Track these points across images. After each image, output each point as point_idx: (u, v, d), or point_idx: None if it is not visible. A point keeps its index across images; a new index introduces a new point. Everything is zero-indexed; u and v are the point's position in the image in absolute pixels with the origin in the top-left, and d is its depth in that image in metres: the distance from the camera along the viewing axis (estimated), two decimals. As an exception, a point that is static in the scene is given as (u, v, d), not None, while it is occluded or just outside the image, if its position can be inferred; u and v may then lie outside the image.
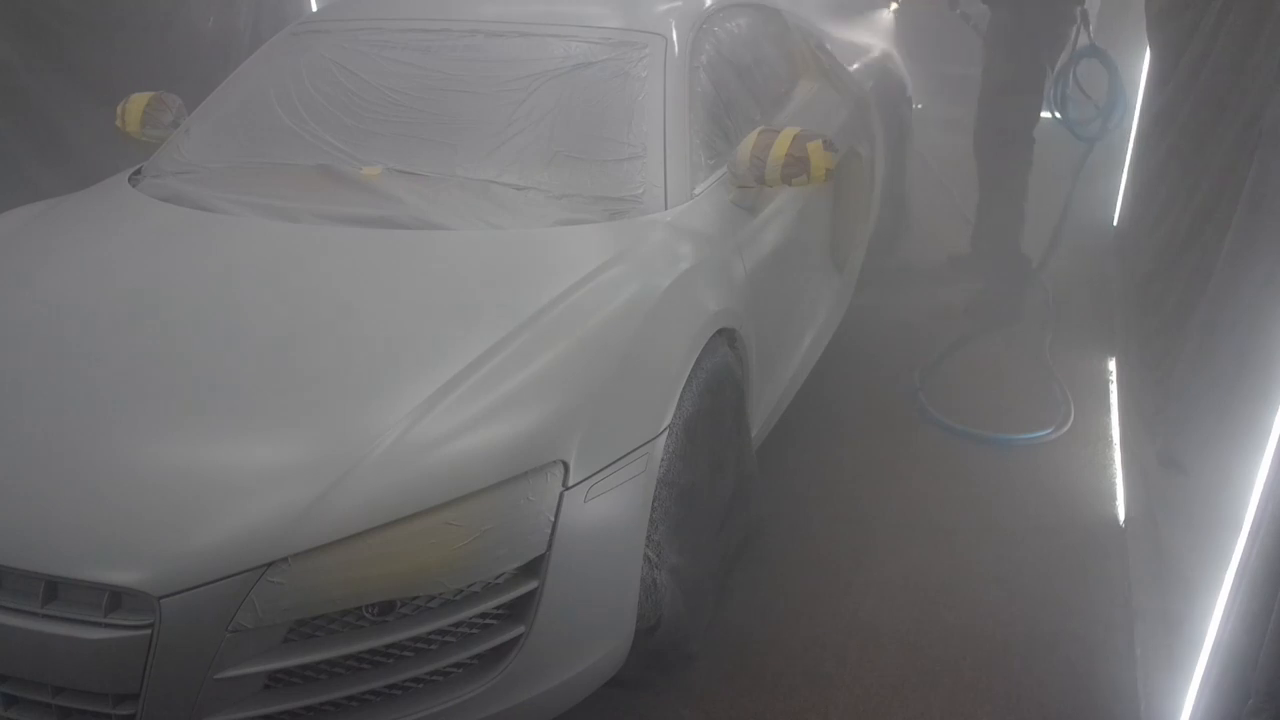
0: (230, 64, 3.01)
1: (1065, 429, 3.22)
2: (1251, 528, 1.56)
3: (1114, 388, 3.46)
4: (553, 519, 1.72)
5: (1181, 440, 2.12)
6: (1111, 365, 3.59)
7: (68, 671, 1.61)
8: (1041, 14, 3.79)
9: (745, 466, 2.46)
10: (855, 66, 3.92)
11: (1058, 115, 4.01)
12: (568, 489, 1.75)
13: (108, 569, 1.57)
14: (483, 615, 1.71)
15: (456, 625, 1.69)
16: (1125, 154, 4.49)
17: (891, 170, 4.08)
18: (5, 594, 1.61)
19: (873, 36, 4.35)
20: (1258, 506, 1.55)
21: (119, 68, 4.01)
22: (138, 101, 2.87)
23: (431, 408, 1.76)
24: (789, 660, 2.31)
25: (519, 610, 1.74)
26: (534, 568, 1.73)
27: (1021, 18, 3.80)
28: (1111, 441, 3.16)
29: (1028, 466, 3.06)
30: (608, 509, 1.82)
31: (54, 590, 1.59)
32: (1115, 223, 4.39)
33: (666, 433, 1.95)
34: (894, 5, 4.50)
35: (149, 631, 1.55)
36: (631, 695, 2.10)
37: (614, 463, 1.82)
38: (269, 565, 1.58)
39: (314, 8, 5.20)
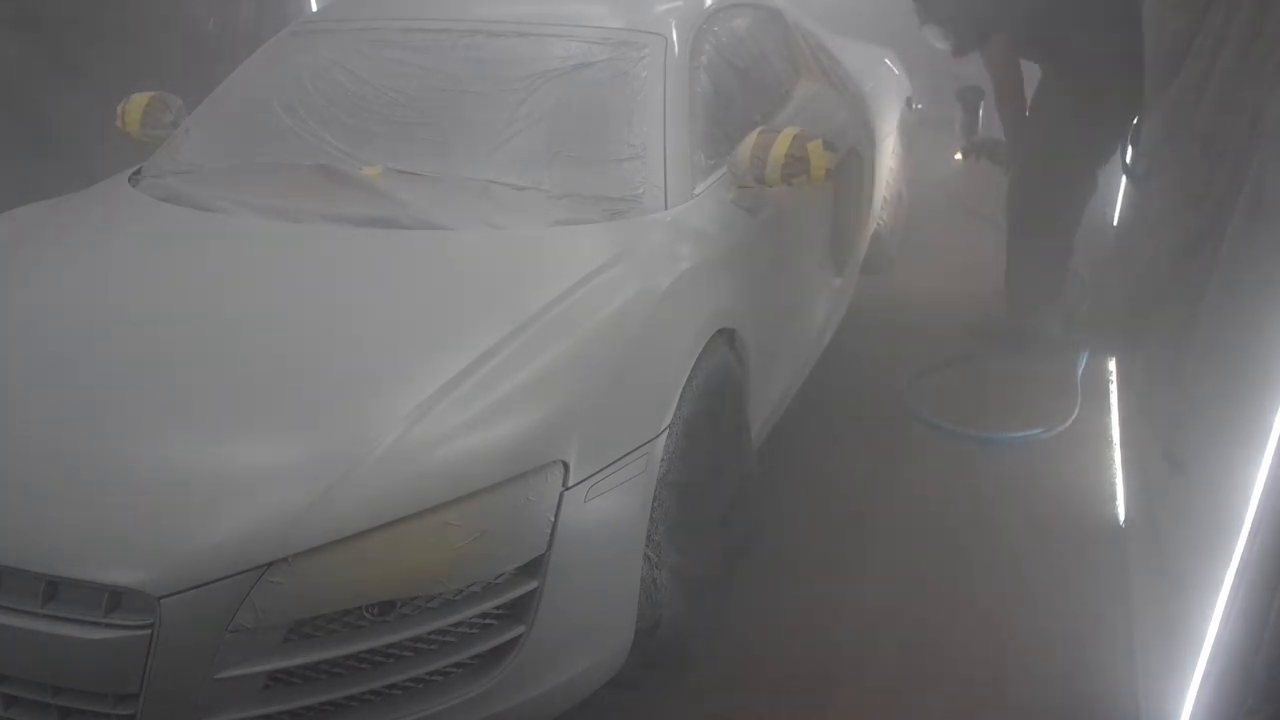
0: (230, 64, 3.01)
1: (1062, 428, 3.21)
2: (1251, 528, 1.56)
3: (1114, 388, 3.46)
4: (553, 519, 1.72)
5: (1184, 440, 2.12)
6: (1111, 365, 3.59)
7: (68, 671, 1.61)
8: (1119, 65, 3.21)
9: (745, 466, 2.46)
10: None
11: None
12: (568, 489, 1.75)
13: (108, 569, 1.57)
14: (483, 615, 1.71)
15: (456, 625, 1.69)
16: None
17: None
18: (5, 594, 1.61)
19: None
20: (1258, 506, 1.55)
21: (119, 68, 4.01)
22: (138, 101, 2.87)
23: (432, 408, 1.76)
24: (788, 660, 2.31)
25: (519, 610, 1.74)
26: (534, 568, 1.73)
27: (1095, 72, 3.32)
28: (1111, 441, 3.16)
29: (1028, 466, 3.06)
30: (608, 509, 1.82)
31: (54, 590, 1.59)
32: (1115, 222, 4.39)
33: (666, 433, 1.95)
34: (959, 156, 4.33)
35: (149, 631, 1.55)
36: (631, 695, 2.10)
37: (614, 463, 1.83)
38: (269, 565, 1.58)
39: (314, 8, 5.20)
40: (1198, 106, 2.26)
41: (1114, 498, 2.88)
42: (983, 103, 3.93)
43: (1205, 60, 2.21)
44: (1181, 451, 2.10)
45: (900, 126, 4.22)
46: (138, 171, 2.72)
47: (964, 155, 4.11)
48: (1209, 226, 2.10)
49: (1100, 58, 3.31)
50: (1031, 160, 3.57)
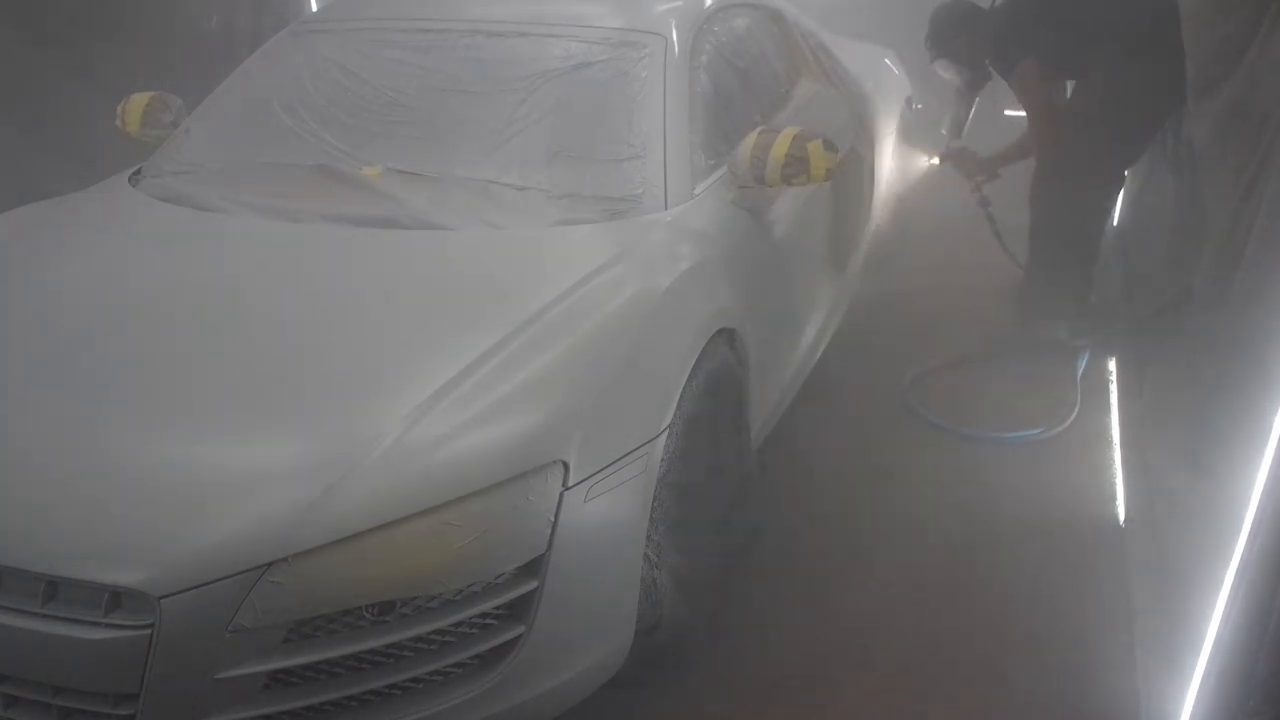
0: (231, 64, 3.01)
1: (1062, 428, 3.20)
2: (1251, 527, 1.56)
3: (1114, 388, 3.46)
4: (553, 519, 1.72)
5: (1182, 440, 2.12)
6: (1111, 365, 3.59)
7: (68, 671, 1.61)
8: (1152, 72, 3.19)
9: (745, 467, 2.46)
10: None
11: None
12: (568, 489, 1.74)
13: (108, 569, 1.57)
14: (483, 615, 1.71)
15: (456, 625, 1.69)
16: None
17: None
18: (5, 594, 1.61)
19: None
20: (1258, 506, 1.55)
21: (119, 68, 4.01)
22: (138, 101, 2.87)
23: (431, 408, 1.76)
24: (788, 660, 2.30)
25: (519, 610, 1.74)
26: (534, 568, 1.73)
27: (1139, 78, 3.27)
28: (1111, 441, 3.16)
29: (1028, 466, 3.05)
30: (608, 509, 1.82)
31: (54, 590, 1.59)
32: (1115, 222, 4.39)
33: (666, 433, 1.95)
34: (935, 160, 4.17)
35: (149, 631, 1.55)
36: (631, 695, 2.10)
37: (614, 463, 1.82)
38: (269, 565, 1.57)
39: (314, 8, 5.20)
40: (1240, 111, 2.24)
41: (1114, 498, 2.88)
42: (977, 102, 3.91)
43: (1252, 64, 2.20)
44: (1182, 451, 2.10)
45: (900, 126, 4.22)
46: (138, 171, 2.72)
47: (942, 161, 4.04)
48: (1229, 227, 2.09)
49: (1132, 66, 3.30)
50: (1063, 168, 3.52)
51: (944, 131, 3.98)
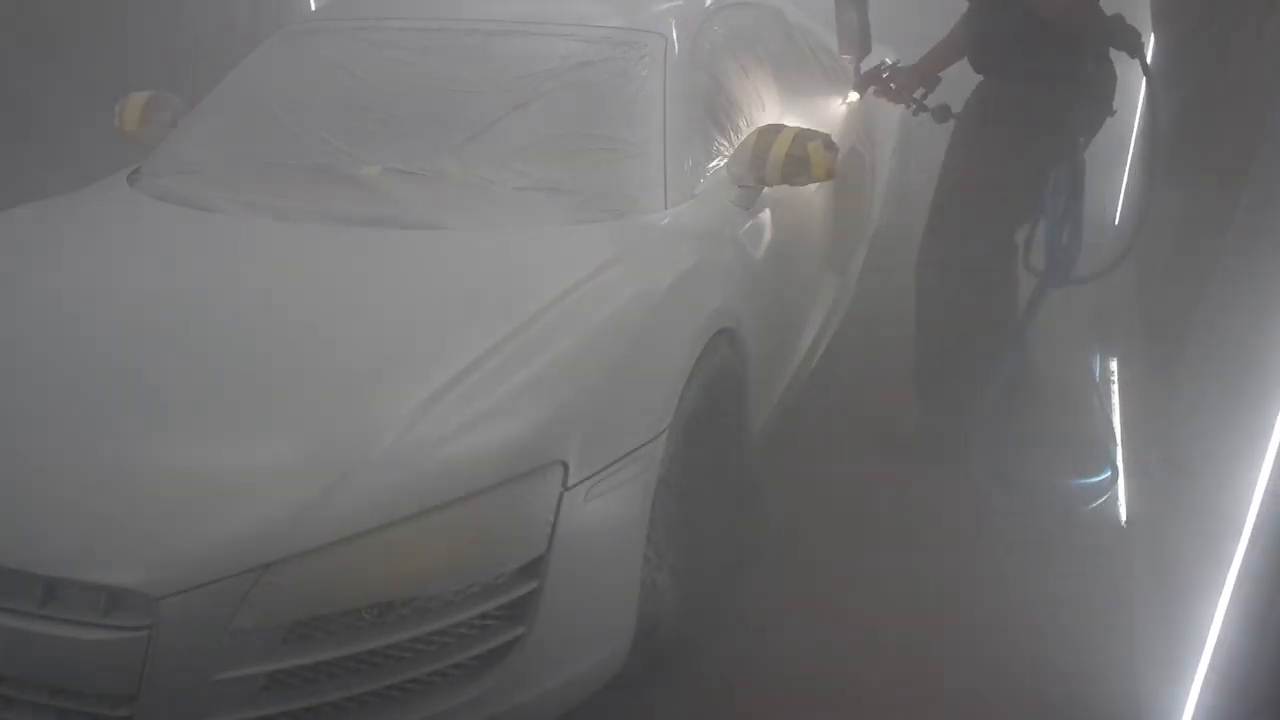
0: (230, 63, 3.01)
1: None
2: (1253, 528, 1.56)
3: (1115, 388, 3.46)
4: (552, 519, 1.72)
5: (1183, 441, 2.12)
6: (1113, 365, 3.58)
7: (65, 672, 1.61)
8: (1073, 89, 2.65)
9: (745, 467, 2.46)
10: None
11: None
12: (568, 489, 1.74)
13: (106, 570, 1.56)
14: (483, 615, 1.70)
15: (456, 625, 1.69)
16: (1126, 153, 4.48)
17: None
18: (3, 594, 1.60)
19: None
20: (1259, 507, 1.55)
21: (119, 67, 4.01)
22: (136, 101, 2.87)
23: (431, 408, 1.75)
24: (789, 662, 2.30)
25: (519, 610, 1.74)
26: (534, 568, 1.72)
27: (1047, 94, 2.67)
28: (1112, 441, 3.15)
29: (1028, 464, 3.05)
30: (608, 509, 1.81)
31: (52, 591, 1.59)
32: (1116, 221, 4.39)
33: (667, 433, 1.95)
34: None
35: (147, 632, 1.55)
36: (631, 696, 2.10)
37: (614, 463, 1.82)
38: (269, 565, 1.57)
39: (313, 7, 5.19)
40: (1205, 107, 2.26)
41: (1115, 497, 2.88)
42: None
43: (1212, 62, 2.22)
44: (1182, 452, 2.10)
45: (900, 126, 4.22)
46: (136, 171, 2.71)
47: (862, 92, 3.28)
48: (1212, 224, 2.10)
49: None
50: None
51: (845, 57, 3.13)
